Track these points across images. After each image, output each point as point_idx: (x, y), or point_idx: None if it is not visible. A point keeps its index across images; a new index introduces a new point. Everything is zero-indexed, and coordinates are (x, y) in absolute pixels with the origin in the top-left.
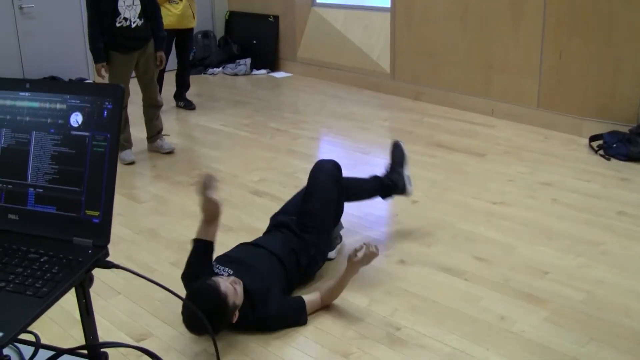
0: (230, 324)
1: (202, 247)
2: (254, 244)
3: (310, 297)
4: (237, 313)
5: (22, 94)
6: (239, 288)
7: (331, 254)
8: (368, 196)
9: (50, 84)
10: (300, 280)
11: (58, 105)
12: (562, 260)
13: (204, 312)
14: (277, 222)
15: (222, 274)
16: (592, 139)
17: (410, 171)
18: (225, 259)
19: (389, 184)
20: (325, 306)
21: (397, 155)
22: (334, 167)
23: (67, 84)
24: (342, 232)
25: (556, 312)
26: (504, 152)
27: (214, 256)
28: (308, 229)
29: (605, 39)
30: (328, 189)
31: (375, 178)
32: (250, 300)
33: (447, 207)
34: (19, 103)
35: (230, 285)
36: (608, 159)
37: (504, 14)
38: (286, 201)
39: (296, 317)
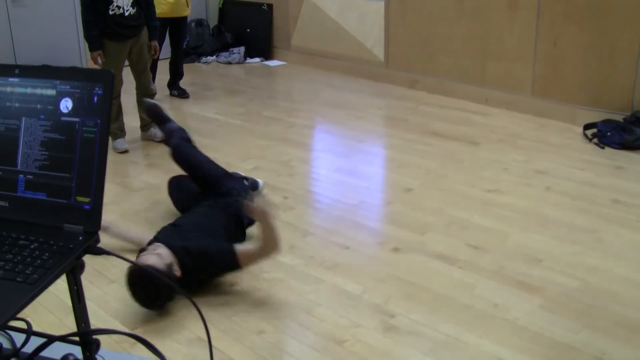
0: (182, 280)
1: None
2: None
3: (242, 246)
4: (177, 268)
5: (11, 79)
6: (161, 250)
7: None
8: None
9: (39, 70)
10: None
11: (48, 91)
12: (556, 248)
13: (149, 289)
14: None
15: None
16: (587, 127)
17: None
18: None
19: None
20: (268, 254)
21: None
22: (181, 139)
23: (56, 69)
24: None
25: (550, 299)
26: (498, 140)
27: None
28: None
29: (600, 28)
30: (196, 153)
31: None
32: (186, 249)
33: (441, 195)
34: (8, 89)
35: (152, 256)
36: (602, 147)
37: (499, 1)
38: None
39: (228, 258)
